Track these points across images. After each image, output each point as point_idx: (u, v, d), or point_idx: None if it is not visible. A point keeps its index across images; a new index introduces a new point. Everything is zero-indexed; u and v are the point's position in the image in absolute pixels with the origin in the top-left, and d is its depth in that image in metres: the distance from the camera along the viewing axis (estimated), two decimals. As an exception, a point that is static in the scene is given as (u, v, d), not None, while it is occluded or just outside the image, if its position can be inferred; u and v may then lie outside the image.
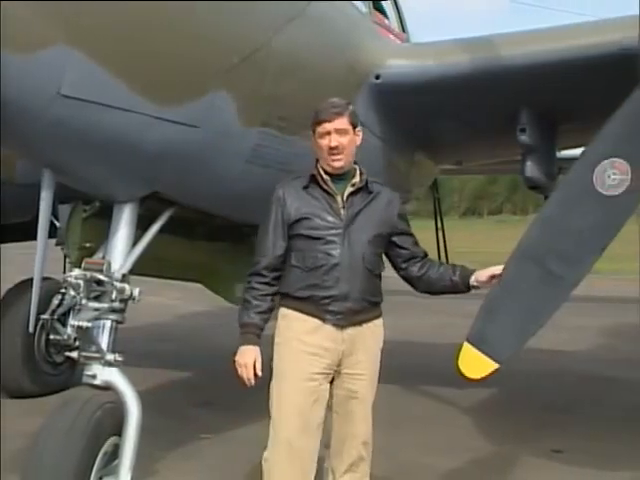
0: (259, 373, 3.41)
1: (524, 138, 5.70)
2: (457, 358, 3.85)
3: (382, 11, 6.87)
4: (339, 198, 3.48)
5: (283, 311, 3.51)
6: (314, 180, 3.51)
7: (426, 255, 3.74)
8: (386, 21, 6.77)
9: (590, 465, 5.05)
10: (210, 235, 5.76)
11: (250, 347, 3.42)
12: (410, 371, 8.34)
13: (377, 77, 5.64)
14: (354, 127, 3.51)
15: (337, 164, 3.46)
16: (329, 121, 3.44)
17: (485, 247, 23.69)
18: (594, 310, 13.38)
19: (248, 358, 3.39)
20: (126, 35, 3.43)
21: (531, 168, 5.85)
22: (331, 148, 3.43)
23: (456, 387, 6.44)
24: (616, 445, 5.56)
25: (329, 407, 3.52)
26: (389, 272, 3.78)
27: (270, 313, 3.52)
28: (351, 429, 3.53)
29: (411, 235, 3.71)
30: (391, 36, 6.63)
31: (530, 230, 3.90)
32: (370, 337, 3.56)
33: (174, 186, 4.23)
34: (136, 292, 4.02)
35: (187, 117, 3.83)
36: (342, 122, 3.45)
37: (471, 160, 8.94)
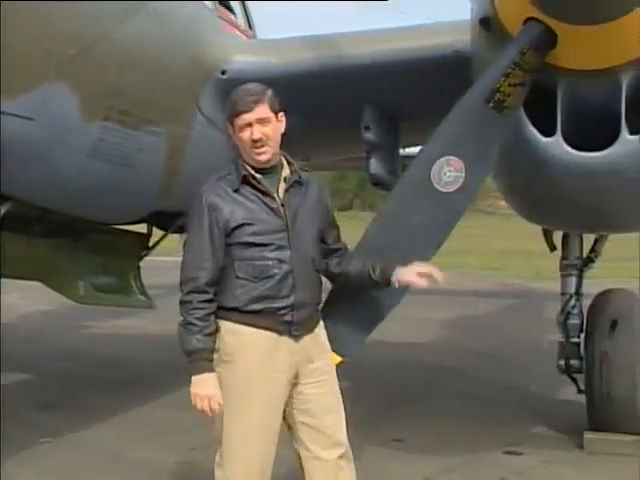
0: (221, 401, 3.10)
1: (368, 135, 5.82)
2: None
3: (228, 7, 6.85)
4: (276, 196, 3.16)
5: (230, 326, 3.13)
6: (245, 181, 3.14)
7: (345, 248, 3.46)
8: (232, 17, 6.76)
9: (428, 451, 5.25)
10: (49, 232, 5.58)
11: (208, 375, 3.08)
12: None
13: (223, 73, 5.62)
14: (276, 113, 3.17)
15: (263, 157, 3.13)
16: (248, 111, 3.09)
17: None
18: (436, 303, 13.84)
19: (211, 389, 3.07)
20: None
21: (375, 165, 5.98)
22: (254, 141, 3.10)
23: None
24: (453, 431, 5.81)
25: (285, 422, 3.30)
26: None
27: (216, 333, 3.13)
28: (323, 438, 3.30)
29: (336, 227, 3.44)
30: (237, 32, 6.62)
31: (372, 225, 3.98)
32: (322, 340, 3.32)
33: (8, 180, 4.07)
34: (-33, 292, 3.83)
35: (21, 109, 3.70)
36: (263, 110, 3.11)
37: (319, 156, 9.04)
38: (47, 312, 12.28)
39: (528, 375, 7.90)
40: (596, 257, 6.48)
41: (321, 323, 3.34)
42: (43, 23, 3.70)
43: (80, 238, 5.83)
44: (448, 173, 3.78)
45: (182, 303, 3.11)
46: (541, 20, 3.65)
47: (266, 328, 3.13)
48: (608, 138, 3.89)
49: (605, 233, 6.18)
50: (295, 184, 3.22)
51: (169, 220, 6.42)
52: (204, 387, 3.07)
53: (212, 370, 3.09)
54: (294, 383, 3.23)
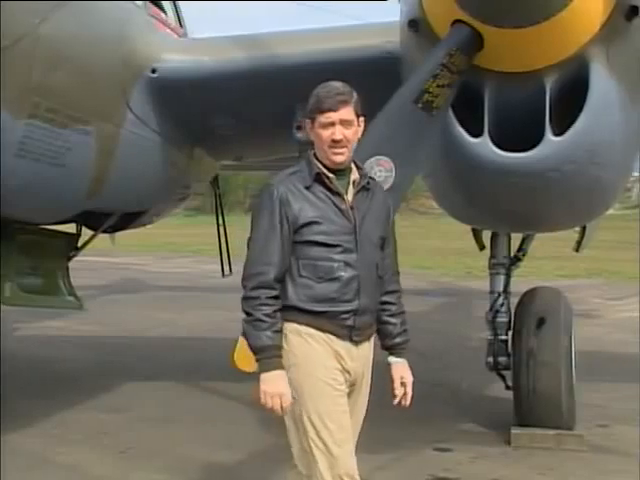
0: (290, 399, 3.01)
1: (300, 135, 5.84)
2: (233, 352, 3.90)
3: (159, 6, 6.79)
4: (345, 198, 3.08)
5: (293, 327, 3.05)
6: (317, 179, 3.07)
7: (395, 275, 3.30)
8: (163, 15, 6.70)
9: (359, 449, 5.13)
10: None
11: (278, 372, 2.99)
12: (191, 367, 8.32)
13: (153, 71, 5.59)
14: (358, 117, 3.12)
15: (339, 159, 3.05)
16: (334, 110, 3.02)
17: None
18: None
19: (282, 387, 2.97)
20: None
21: (307, 165, 6.00)
22: (334, 141, 3.03)
23: (237, 382, 6.49)
24: (384, 428, 5.83)
25: None
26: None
27: (282, 331, 3.06)
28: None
29: (390, 240, 3.27)
30: (168, 30, 6.57)
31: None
32: (371, 352, 3.21)
33: None
34: None
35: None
36: (348, 112, 3.05)
37: (252, 156, 9.03)
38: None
39: (458, 372, 8.02)
40: (523, 256, 6.61)
41: (372, 339, 3.22)
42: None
43: (7, 238, 5.70)
44: (378, 173, 3.81)
45: (247, 299, 3.02)
46: (468, 23, 3.72)
47: (327, 331, 3.04)
48: (534, 139, 3.99)
49: (531, 232, 6.31)
50: (363, 188, 3.14)
51: (99, 220, 6.34)
52: (274, 385, 2.98)
53: (282, 367, 3.01)
54: (350, 390, 3.15)
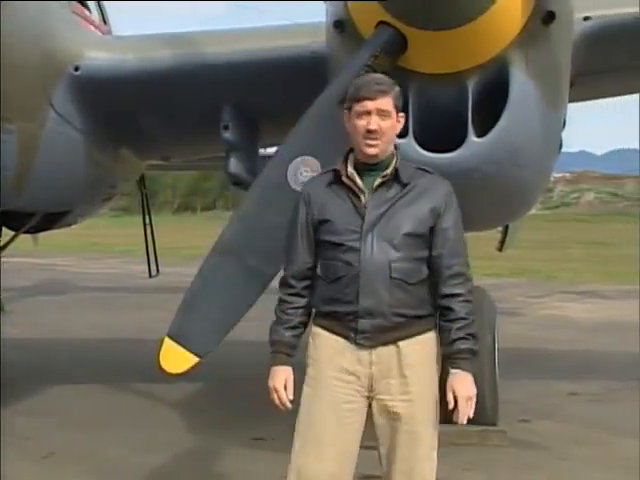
0: (290, 396, 2.99)
1: (227, 135, 5.82)
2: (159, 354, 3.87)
3: (83, 3, 6.68)
4: (364, 195, 2.95)
5: (312, 328, 3.07)
6: (337, 175, 2.99)
7: (455, 277, 3.00)
8: (87, 12, 6.59)
9: (288, 450, 5.26)
10: None
11: (281, 368, 3.01)
12: (118, 369, 8.21)
13: (76, 69, 5.50)
14: (397, 111, 2.97)
15: (372, 151, 2.93)
16: (371, 99, 2.90)
17: (194, 242, 23.94)
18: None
19: (278, 382, 3.00)
20: None
21: (234, 165, 5.99)
22: (369, 131, 2.90)
23: (164, 383, 6.44)
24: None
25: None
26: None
27: (303, 328, 3.07)
28: (400, 466, 3.00)
29: (449, 236, 3.03)
30: (92, 28, 6.47)
31: (229, 225, 4.00)
32: (415, 356, 2.96)
33: None
34: None
35: None
36: (386, 102, 2.91)
37: (179, 156, 8.96)
38: None
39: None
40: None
41: (418, 338, 2.97)
42: None
43: None
44: (304, 173, 3.83)
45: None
46: (392, 24, 3.76)
47: (335, 332, 2.98)
48: (458, 140, 4.05)
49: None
50: (392, 182, 2.97)
51: (20, 220, 6.21)
52: (272, 379, 3.02)
53: (285, 364, 3.03)
54: (371, 397, 3.00)
